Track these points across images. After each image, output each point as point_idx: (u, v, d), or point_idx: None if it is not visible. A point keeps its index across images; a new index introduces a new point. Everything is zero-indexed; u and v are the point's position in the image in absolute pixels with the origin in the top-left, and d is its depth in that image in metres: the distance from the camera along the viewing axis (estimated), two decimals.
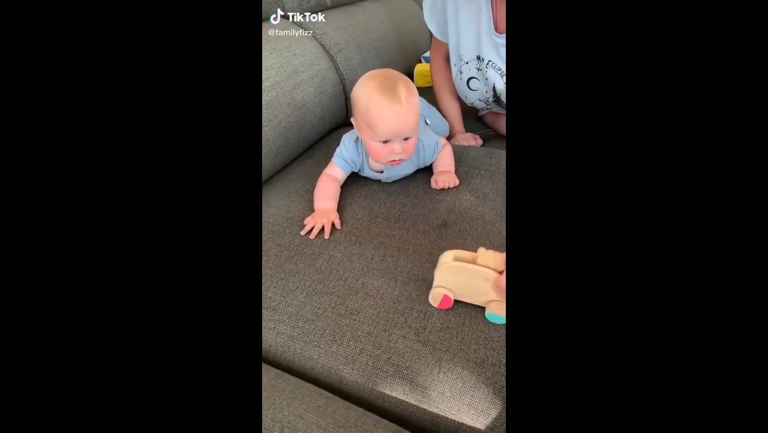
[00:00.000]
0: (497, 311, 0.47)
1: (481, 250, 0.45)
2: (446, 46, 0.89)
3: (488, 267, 0.44)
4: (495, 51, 0.81)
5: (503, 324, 0.47)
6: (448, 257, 0.46)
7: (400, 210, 0.65)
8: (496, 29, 0.79)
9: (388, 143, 0.60)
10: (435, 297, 0.49)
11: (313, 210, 0.65)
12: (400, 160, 0.63)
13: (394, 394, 0.43)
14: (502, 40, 0.79)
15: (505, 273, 0.41)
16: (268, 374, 0.45)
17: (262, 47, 0.76)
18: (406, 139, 0.61)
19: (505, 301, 0.44)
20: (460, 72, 0.88)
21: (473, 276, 0.45)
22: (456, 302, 0.49)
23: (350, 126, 0.70)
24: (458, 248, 0.47)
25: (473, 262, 0.44)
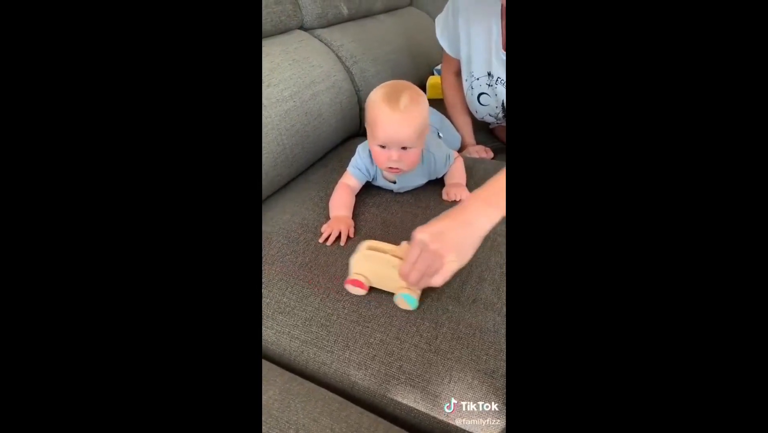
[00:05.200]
0: (405, 297, 0.51)
1: (404, 244, 0.50)
2: (457, 62, 0.91)
3: (396, 256, 0.49)
4: (503, 68, 0.82)
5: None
6: (363, 246, 0.52)
7: (412, 220, 0.67)
8: (504, 47, 0.81)
9: (385, 149, 0.62)
10: (349, 284, 0.54)
11: (327, 217, 0.67)
12: (398, 168, 0.64)
13: (405, 401, 0.44)
14: None
15: (404, 259, 0.47)
16: (283, 377, 0.46)
17: (282, 58, 0.78)
18: (404, 148, 0.62)
19: (413, 288, 0.50)
20: (471, 88, 0.89)
21: (384, 264, 0.50)
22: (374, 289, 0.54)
23: (364, 136, 0.71)
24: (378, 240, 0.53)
25: (386, 252, 0.51)
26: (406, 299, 0.51)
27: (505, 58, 0.81)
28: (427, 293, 0.53)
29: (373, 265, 0.51)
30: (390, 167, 0.64)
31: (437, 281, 0.45)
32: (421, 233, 0.45)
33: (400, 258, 0.48)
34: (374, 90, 0.64)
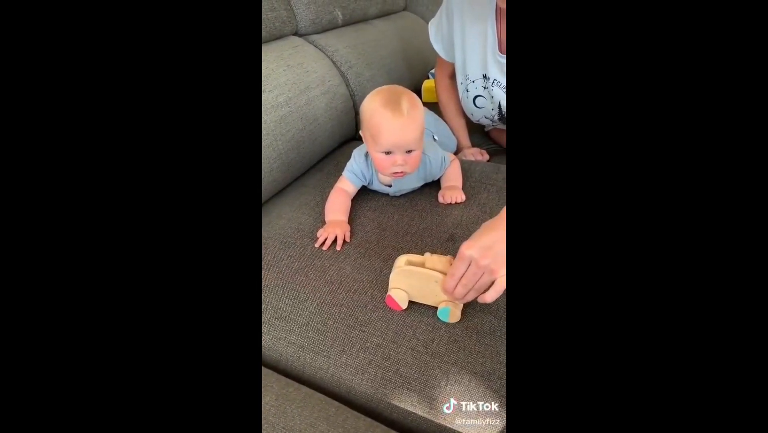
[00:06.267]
0: (447, 310, 0.50)
1: (427, 255, 0.50)
2: (451, 65, 0.92)
3: (437, 270, 0.48)
4: (499, 70, 0.83)
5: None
6: (401, 261, 0.51)
7: (408, 224, 0.67)
8: (499, 49, 0.81)
9: (390, 155, 0.62)
10: (391, 299, 0.52)
11: (323, 222, 0.67)
12: (402, 172, 0.64)
13: (402, 405, 0.44)
14: (505, 60, 0.81)
15: (448, 275, 0.46)
16: (279, 382, 0.46)
17: (276, 64, 0.78)
18: (409, 152, 0.62)
19: (455, 302, 0.49)
20: (467, 90, 0.90)
21: (424, 279, 0.49)
22: (411, 302, 0.52)
23: (359, 140, 0.72)
24: (412, 253, 0.52)
25: (423, 265, 0.49)
26: (449, 313, 0.50)
27: (501, 60, 0.81)
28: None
29: (413, 280, 0.50)
30: (395, 171, 0.64)
31: (490, 297, 0.43)
32: (468, 249, 0.43)
33: (442, 272, 0.48)
34: (368, 98, 0.64)
